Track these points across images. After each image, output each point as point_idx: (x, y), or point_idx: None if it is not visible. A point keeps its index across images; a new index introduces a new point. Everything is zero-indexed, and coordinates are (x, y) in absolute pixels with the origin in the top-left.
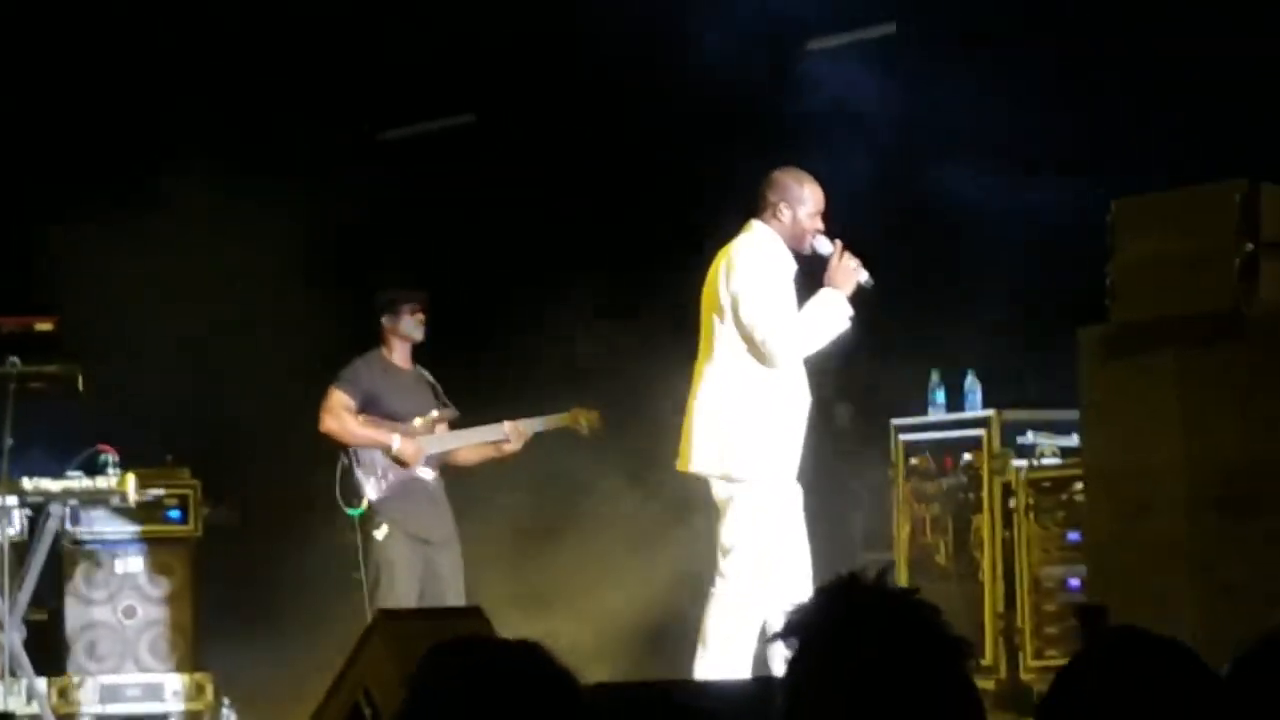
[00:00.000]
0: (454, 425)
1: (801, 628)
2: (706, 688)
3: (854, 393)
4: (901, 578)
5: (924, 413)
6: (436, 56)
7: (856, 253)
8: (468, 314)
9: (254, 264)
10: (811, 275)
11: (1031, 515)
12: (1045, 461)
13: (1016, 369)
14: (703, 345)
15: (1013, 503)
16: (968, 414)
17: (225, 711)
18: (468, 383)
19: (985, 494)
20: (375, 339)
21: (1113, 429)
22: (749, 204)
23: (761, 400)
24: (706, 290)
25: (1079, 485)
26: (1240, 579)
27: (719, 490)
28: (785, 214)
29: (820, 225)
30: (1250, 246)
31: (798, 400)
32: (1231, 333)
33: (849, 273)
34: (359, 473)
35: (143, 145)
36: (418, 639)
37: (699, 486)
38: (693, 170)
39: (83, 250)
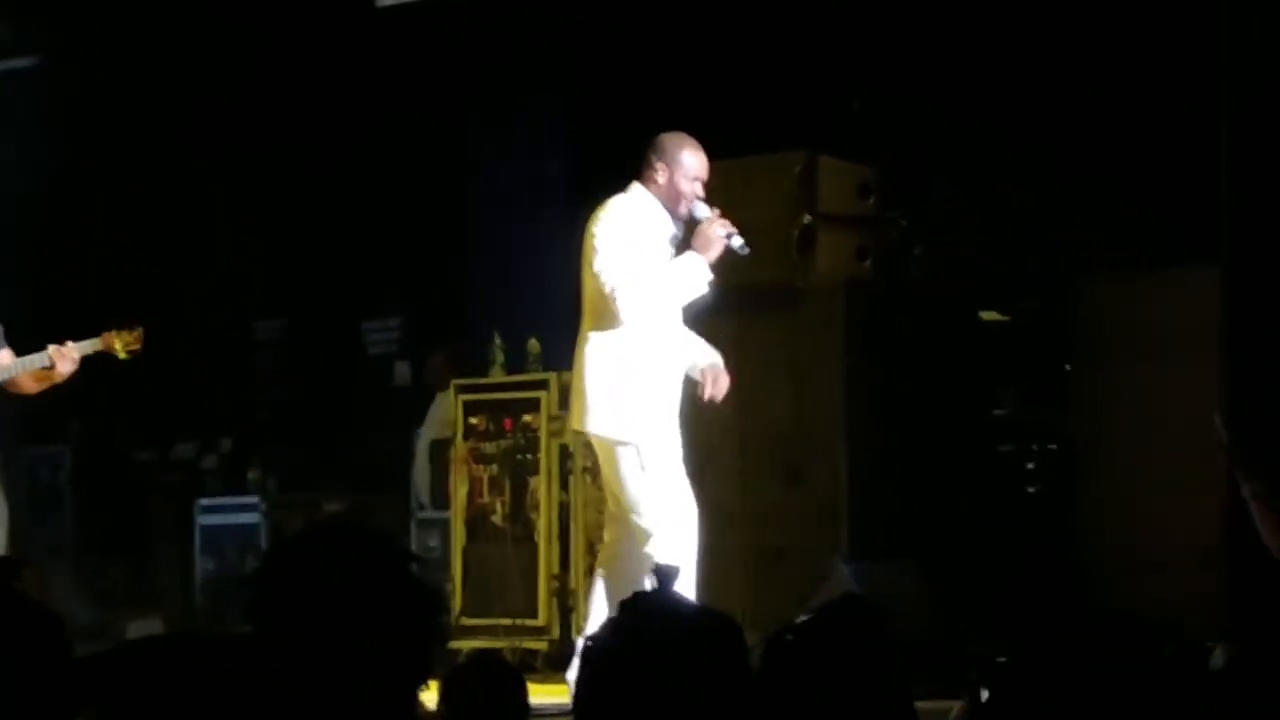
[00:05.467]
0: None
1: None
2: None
3: (415, 350)
4: (458, 538)
5: (484, 373)
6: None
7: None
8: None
9: None
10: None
11: (588, 478)
12: None
13: (576, 332)
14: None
15: (570, 465)
16: (527, 376)
17: None
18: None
19: (543, 456)
20: None
21: None
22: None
23: (624, 359)
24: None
25: None
26: (788, 545)
27: (597, 449)
28: (661, 176)
29: (700, 191)
30: (808, 218)
31: (665, 358)
32: (787, 303)
33: (714, 239)
34: None
35: None
36: None
37: None
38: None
39: None
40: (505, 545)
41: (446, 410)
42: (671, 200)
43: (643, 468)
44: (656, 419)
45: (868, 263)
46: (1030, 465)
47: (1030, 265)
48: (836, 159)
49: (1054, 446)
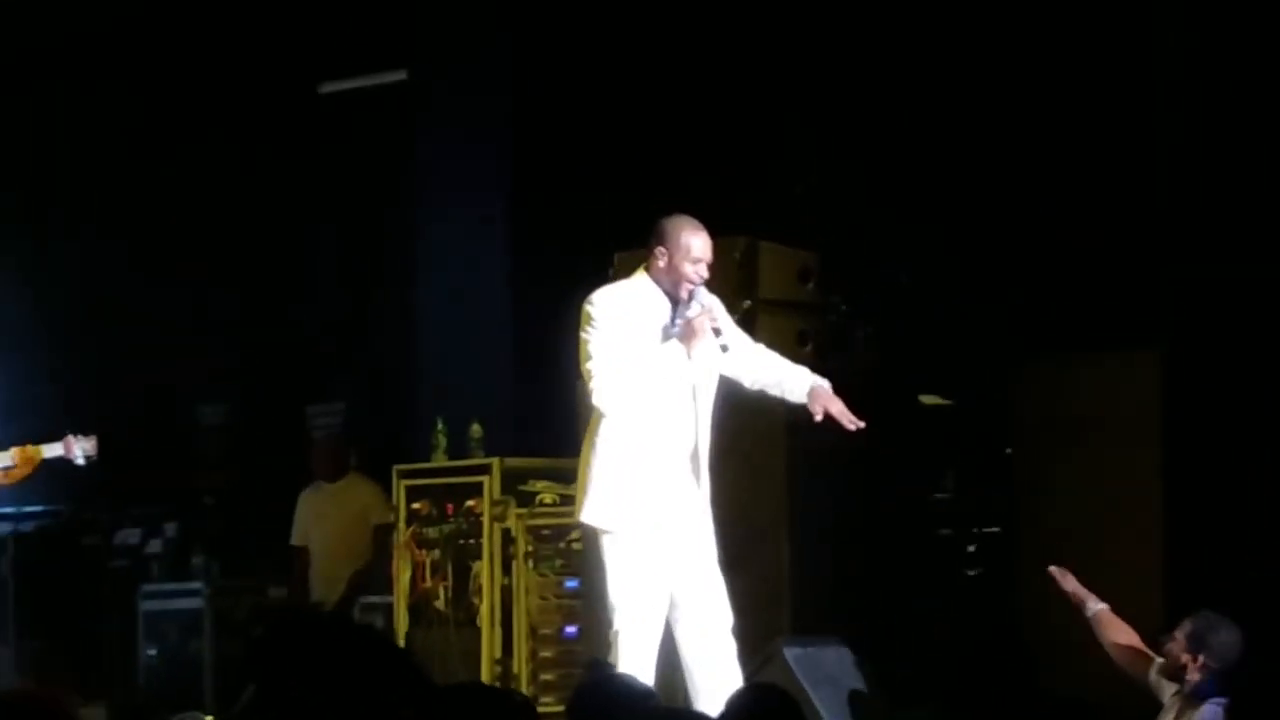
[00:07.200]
0: None
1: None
2: None
3: (362, 436)
4: (400, 623)
5: (427, 458)
6: None
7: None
8: None
9: None
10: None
11: (530, 562)
12: (545, 509)
13: (518, 417)
14: None
15: (512, 549)
16: (469, 460)
17: None
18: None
19: (486, 540)
20: None
21: None
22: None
23: (614, 446)
24: None
25: (578, 533)
26: (739, 629)
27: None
28: (662, 260)
29: (704, 272)
30: (748, 303)
31: (657, 446)
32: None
33: (699, 331)
34: None
35: None
36: None
37: None
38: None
39: None
40: (448, 630)
41: (338, 504)
42: (674, 283)
43: (610, 559)
44: (638, 509)
45: (809, 347)
46: (971, 548)
47: (970, 349)
48: (777, 244)
49: (995, 530)
